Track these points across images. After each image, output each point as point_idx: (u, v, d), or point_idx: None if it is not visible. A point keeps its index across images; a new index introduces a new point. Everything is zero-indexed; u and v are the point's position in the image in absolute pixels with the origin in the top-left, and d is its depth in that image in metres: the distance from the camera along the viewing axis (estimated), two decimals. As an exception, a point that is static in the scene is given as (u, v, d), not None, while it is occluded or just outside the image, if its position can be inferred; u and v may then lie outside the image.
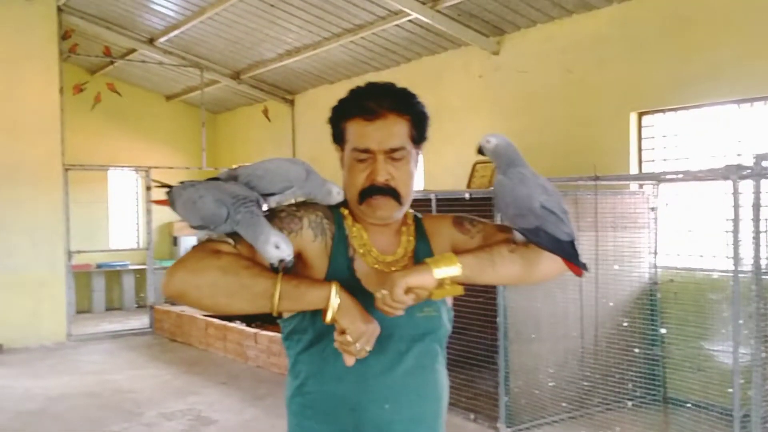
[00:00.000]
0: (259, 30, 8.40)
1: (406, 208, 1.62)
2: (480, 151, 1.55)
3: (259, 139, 11.29)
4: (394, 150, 1.55)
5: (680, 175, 4.62)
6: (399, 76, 7.01)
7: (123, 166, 10.64)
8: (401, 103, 1.58)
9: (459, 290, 1.44)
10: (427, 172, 7.91)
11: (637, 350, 4.62)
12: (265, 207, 1.54)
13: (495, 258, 1.48)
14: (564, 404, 4.86)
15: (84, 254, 9.40)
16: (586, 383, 4.68)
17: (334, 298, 1.40)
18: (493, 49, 7.14)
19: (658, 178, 5.06)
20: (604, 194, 4.98)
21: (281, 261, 1.42)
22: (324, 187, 1.63)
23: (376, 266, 1.58)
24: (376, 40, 7.92)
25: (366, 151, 1.55)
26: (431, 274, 1.40)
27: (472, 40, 7.13)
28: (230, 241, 1.47)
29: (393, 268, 1.57)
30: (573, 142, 6.33)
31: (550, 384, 4.81)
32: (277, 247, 1.42)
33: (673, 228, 5.46)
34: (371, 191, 1.55)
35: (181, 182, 1.60)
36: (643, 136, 6.03)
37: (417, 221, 1.69)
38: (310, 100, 10.26)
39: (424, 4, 6.71)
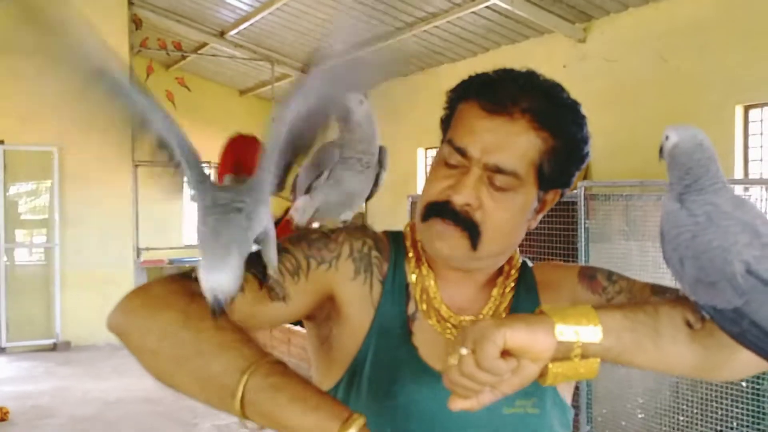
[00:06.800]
0: (328, 21, 8.05)
1: (487, 260, 1.07)
2: (662, 153, 0.93)
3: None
4: (498, 170, 1.00)
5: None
6: (476, 68, 6.46)
7: (195, 162, 10.50)
8: (545, 110, 1.01)
9: (592, 370, 0.84)
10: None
11: (744, 383, 3.98)
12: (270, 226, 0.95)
13: (661, 327, 0.87)
14: (655, 438, 4.28)
15: (158, 250, 9.33)
16: (681, 417, 4.08)
17: None
18: (579, 36, 6.57)
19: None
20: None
21: (215, 298, 0.82)
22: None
23: (448, 333, 1.04)
24: (451, 29, 7.43)
25: (461, 151, 1.02)
26: (550, 331, 0.81)
27: (555, 27, 6.57)
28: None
29: None
30: (668, 139, 5.70)
31: (640, 416, 4.24)
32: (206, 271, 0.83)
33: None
34: (439, 209, 1.02)
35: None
36: (750, 132, 5.38)
37: (524, 269, 1.14)
38: (382, 94, 9.86)
39: (502, -12, 6.21)
